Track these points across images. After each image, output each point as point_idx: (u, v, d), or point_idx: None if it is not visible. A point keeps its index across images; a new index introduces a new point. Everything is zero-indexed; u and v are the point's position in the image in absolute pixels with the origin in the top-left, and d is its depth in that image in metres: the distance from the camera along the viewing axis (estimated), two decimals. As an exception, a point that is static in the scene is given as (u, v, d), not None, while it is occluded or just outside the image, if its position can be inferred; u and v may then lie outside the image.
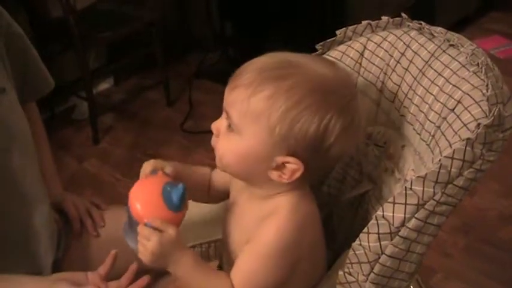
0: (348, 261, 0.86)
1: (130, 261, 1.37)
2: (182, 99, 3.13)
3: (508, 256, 2.04)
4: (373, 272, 0.83)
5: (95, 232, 1.39)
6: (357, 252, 0.84)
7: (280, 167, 0.90)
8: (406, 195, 0.79)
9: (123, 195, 2.71)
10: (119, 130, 3.02)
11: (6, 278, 1.17)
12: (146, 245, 0.91)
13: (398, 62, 1.02)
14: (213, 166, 0.95)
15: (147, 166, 1.01)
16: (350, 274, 0.86)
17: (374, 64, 1.06)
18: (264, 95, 0.87)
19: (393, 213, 0.80)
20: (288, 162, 0.89)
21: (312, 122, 0.86)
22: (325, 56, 1.10)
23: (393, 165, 1.03)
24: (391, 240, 0.81)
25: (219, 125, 0.93)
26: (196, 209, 1.19)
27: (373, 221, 0.82)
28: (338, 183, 1.15)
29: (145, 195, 0.94)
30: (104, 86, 3.29)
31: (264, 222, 0.92)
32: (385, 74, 1.05)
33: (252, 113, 0.88)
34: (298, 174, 0.89)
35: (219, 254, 1.13)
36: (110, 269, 1.13)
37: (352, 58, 1.08)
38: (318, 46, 1.11)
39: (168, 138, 2.90)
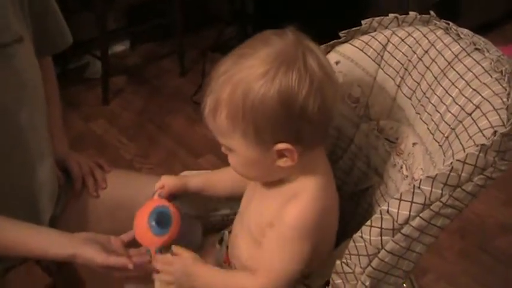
0: (347, 251, 0.86)
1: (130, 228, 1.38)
2: (195, 71, 3.12)
3: (501, 265, 2.04)
4: (371, 266, 0.83)
5: (95, 193, 1.39)
6: (357, 244, 0.84)
7: (280, 154, 0.92)
8: (413, 194, 0.79)
9: (126, 159, 2.72)
10: (129, 94, 3.01)
11: (35, 227, 1.18)
12: (167, 272, 1.04)
13: (420, 59, 1.01)
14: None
15: (158, 183, 1.14)
16: (347, 265, 0.86)
17: (396, 58, 1.05)
18: (221, 111, 0.90)
19: (398, 209, 0.80)
20: (280, 149, 0.91)
21: (266, 101, 0.87)
22: (348, 44, 1.09)
23: (402, 161, 1.02)
24: (393, 236, 0.81)
25: (223, 149, 0.98)
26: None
27: (377, 215, 0.81)
28: (344, 174, 1.15)
29: (137, 225, 1.08)
30: (120, 48, 3.27)
31: (286, 206, 0.94)
32: (406, 69, 1.04)
33: (224, 132, 0.92)
34: (296, 155, 0.91)
35: (233, 226, 1.14)
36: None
37: (374, 49, 1.07)
38: (341, 33, 1.10)
39: (176, 108, 2.89)
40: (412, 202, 0.79)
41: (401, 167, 1.02)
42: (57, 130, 1.44)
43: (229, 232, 1.15)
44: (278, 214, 0.95)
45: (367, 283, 0.84)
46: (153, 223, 1.04)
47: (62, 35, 1.42)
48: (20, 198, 1.26)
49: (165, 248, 1.05)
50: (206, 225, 1.25)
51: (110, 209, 1.38)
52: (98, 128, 2.77)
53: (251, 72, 0.88)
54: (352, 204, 1.14)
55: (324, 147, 1.01)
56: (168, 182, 1.14)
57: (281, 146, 0.90)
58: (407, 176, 1.00)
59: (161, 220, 1.05)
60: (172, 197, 1.13)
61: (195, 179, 1.18)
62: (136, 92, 3.02)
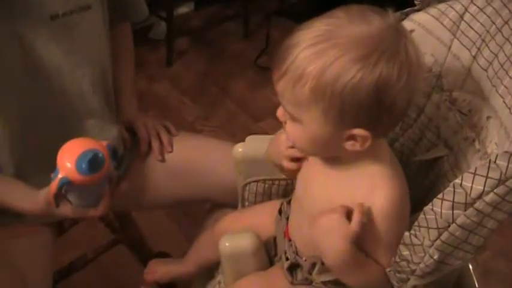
0: (416, 223, 0.85)
1: (193, 193, 1.39)
2: (259, 34, 3.11)
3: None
4: (440, 239, 0.82)
5: (160, 156, 1.40)
6: (427, 216, 0.83)
7: (351, 137, 0.89)
8: (488, 168, 0.77)
9: (188, 121, 2.76)
10: (193, 55, 3.03)
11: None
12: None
13: (499, 30, 0.98)
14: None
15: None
16: (416, 237, 0.85)
17: (473, 29, 1.02)
18: (305, 82, 0.84)
19: (472, 184, 0.78)
20: (355, 134, 0.88)
21: (360, 87, 0.82)
22: (423, 12, 1.06)
23: (475, 134, 1.00)
24: (465, 210, 0.79)
25: (280, 114, 0.93)
26: (261, 146, 1.19)
27: (449, 188, 0.80)
28: (412, 143, 1.13)
29: (68, 149, 1.06)
30: (184, 9, 3.29)
31: (369, 198, 0.91)
32: (483, 40, 1.01)
33: (300, 102, 0.86)
34: (369, 142, 0.88)
35: (291, 209, 1.14)
36: None
37: (450, 19, 1.04)
38: (416, 1, 1.08)
39: (239, 71, 2.89)
40: (487, 177, 0.77)
41: (474, 141, 1.00)
42: (128, 93, 1.46)
43: (288, 203, 1.14)
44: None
45: (436, 256, 0.83)
46: (86, 161, 1.03)
47: (137, 8, 1.43)
48: None
49: (69, 184, 1.05)
50: (270, 189, 1.26)
51: (175, 173, 1.40)
52: (160, 89, 2.80)
53: (348, 52, 0.82)
54: (419, 175, 1.12)
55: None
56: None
57: (358, 131, 0.87)
58: (479, 150, 0.98)
59: (92, 162, 1.04)
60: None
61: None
62: (199, 54, 3.03)
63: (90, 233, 1.74)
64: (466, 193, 0.78)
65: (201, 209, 1.55)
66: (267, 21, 3.09)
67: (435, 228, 0.82)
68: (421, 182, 1.11)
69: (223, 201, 1.41)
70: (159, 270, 1.41)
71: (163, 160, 1.40)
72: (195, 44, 3.12)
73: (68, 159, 1.04)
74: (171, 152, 1.41)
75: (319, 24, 0.86)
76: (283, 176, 1.23)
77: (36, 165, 1.22)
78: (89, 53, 1.26)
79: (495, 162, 0.77)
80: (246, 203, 1.29)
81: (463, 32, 1.03)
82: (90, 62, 1.26)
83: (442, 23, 1.05)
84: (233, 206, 1.35)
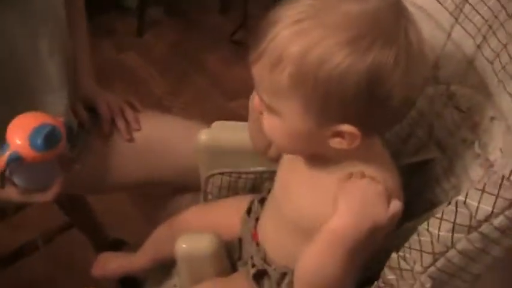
0: (407, 245, 0.72)
1: (155, 175, 1.26)
2: (237, 8, 2.96)
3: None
4: (435, 266, 0.69)
5: (128, 136, 1.29)
6: (421, 238, 0.69)
7: (337, 133, 0.76)
8: (500, 186, 0.63)
9: (156, 95, 2.63)
10: (165, 26, 2.90)
11: None
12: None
13: (510, 16, 0.84)
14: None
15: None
16: (405, 260, 0.72)
17: (479, 13, 0.88)
18: (284, 67, 0.72)
19: (479, 203, 0.64)
20: (342, 131, 0.75)
21: (349, 75, 0.70)
22: (421, -9, 0.93)
23: (475, 137, 0.87)
24: (468, 234, 0.66)
25: (257, 103, 0.81)
26: (228, 135, 1.11)
27: (451, 207, 0.66)
28: (400, 141, 1.00)
29: (18, 124, 0.97)
30: (158, -22, 3.13)
31: None
32: (490, 27, 0.87)
33: (278, 91, 0.74)
34: (358, 140, 0.76)
35: (264, 209, 1.01)
36: None
37: (453, 0, 0.91)
38: (414, -22, 0.94)
39: (213, 45, 2.77)
40: (497, 196, 0.63)
41: (473, 143, 0.86)
42: (84, 64, 1.32)
43: (259, 201, 1.02)
44: None
45: (428, 285, 0.70)
46: (41, 136, 0.94)
47: None
48: None
49: (19, 160, 0.95)
50: (236, 184, 1.13)
51: (136, 153, 1.30)
52: (128, 60, 2.69)
53: (336, 33, 0.70)
54: (407, 178, 0.99)
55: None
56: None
57: (346, 128, 0.74)
58: (479, 155, 0.84)
59: (49, 138, 0.95)
60: None
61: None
62: (172, 25, 2.91)
63: (42, 213, 1.61)
64: (471, 214, 0.65)
65: (164, 193, 1.43)
66: (246, -5, 2.95)
67: (430, 253, 0.68)
68: (407, 185, 0.98)
69: (186, 186, 1.32)
70: (109, 265, 1.28)
71: (131, 140, 1.30)
72: (169, 14, 2.98)
73: (20, 134, 0.95)
74: (139, 129, 1.31)
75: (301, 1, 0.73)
76: (251, 169, 1.12)
77: None
78: (44, 18, 1.12)
79: (509, 179, 0.63)
80: (209, 197, 1.17)
81: (466, 17, 0.90)
82: (48, 28, 1.13)
83: (442, 5, 0.92)
84: (196, 191, 1.24)
